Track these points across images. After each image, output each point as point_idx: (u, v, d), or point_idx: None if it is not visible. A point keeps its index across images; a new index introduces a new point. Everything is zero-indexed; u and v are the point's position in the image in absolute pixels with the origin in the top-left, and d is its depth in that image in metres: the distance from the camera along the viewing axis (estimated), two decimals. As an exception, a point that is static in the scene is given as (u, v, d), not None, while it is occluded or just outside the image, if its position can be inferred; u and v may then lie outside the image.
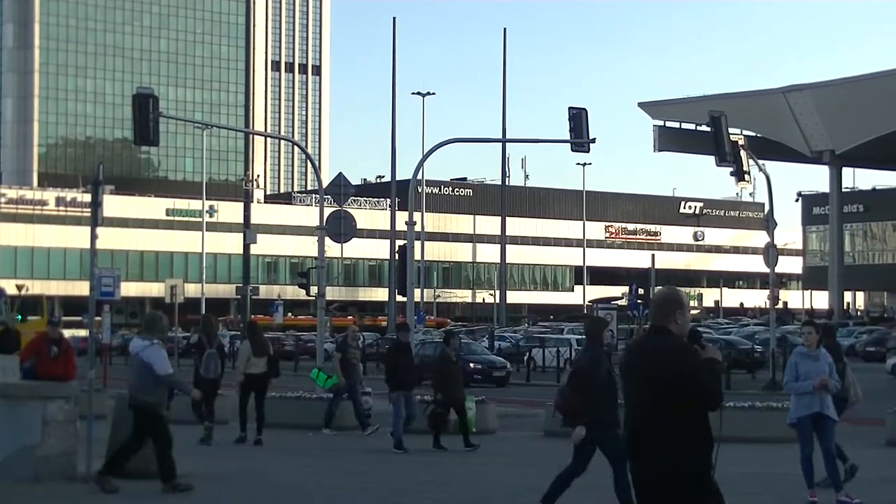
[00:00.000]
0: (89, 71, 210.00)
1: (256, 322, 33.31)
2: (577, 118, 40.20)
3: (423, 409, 27.76)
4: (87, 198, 28.13)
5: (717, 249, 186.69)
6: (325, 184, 42.39)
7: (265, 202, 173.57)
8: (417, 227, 41.61)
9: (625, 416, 9.84)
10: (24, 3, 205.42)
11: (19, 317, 62.78)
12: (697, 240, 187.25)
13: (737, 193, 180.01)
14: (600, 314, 71.84)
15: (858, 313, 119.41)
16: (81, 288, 58.76)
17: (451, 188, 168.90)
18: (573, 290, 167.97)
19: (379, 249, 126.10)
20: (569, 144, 41.45)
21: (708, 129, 50.67)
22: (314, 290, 43.35)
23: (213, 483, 20.84)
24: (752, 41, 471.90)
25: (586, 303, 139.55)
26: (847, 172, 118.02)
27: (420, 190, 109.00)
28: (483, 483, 21.84)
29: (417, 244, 44.45)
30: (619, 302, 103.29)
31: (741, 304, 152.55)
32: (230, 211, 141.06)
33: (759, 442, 27.54)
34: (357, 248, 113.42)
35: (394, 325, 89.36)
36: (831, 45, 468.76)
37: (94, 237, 23.75)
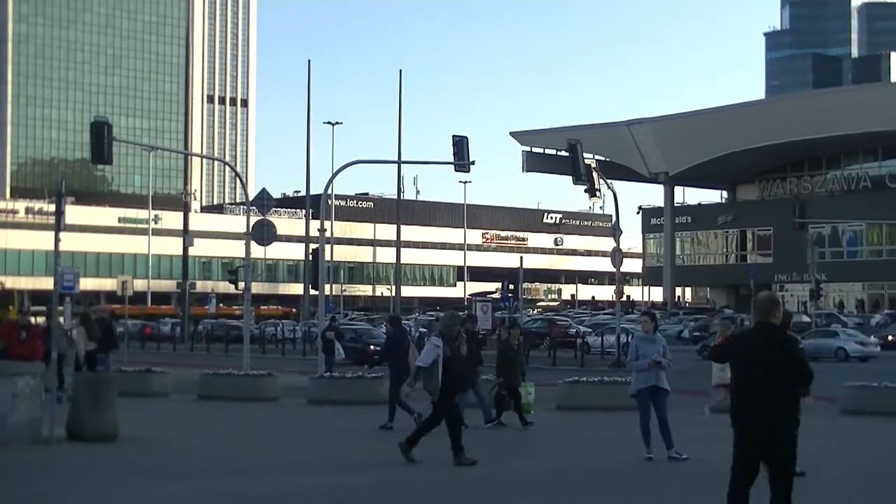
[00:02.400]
0: (54, 102, 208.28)
1: (88, 314, 33.70)
2: (460, 144, 40.19)
3: (489, 390, 25.73)
4: (52, 208, 28.00)
5: (574, 252, 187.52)
6: (251, 197, 42.07)
7: (201, 212, 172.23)
8: (327, 234, 41.39)
9: (744, 390, 10.74)
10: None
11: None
12: (557, 245, 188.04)
13: (589, 207, 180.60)
14: (478, 305, 71.79)
15: (687, 304, 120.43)
16: (47, 283, 58.00)
17: (355, 201, 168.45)
18: (455, 286, 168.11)
19: (296, 252, 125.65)
20: (453, 166, 41.46)
21: (567, 154, 50.91)
22: (242, 285, 43.13)
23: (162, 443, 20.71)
24: (604, 82, 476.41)
25: (467, 295, 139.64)
26: (678, 190, 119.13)
27: (330, 202, 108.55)
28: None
29: (327, 247, 44.25)
30: (494, 295, 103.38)
31: (593, 297, 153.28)
32: (172, 219, 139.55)
33: (606, 410, 27.72)
34: (277, 251, 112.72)
35: (308, 313, 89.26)
36: (667, 85, 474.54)
37: (57, 240, 23.56)
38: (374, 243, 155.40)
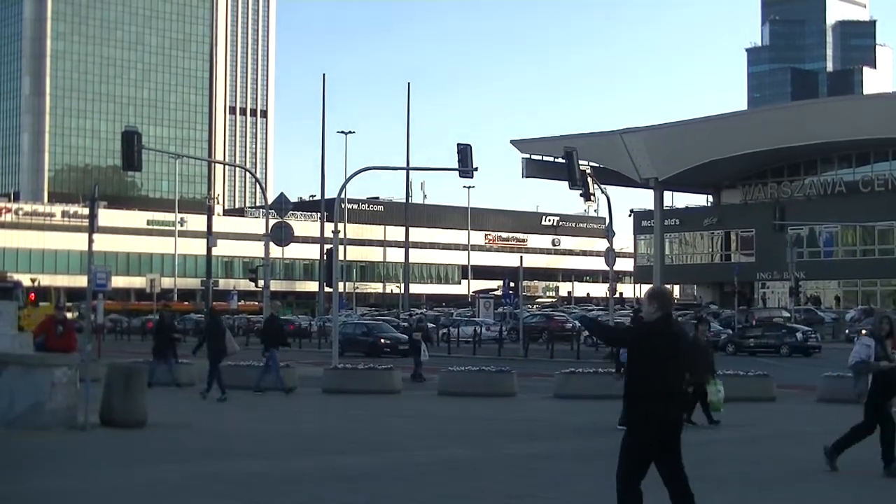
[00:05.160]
0: (88, 113, 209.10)
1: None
2: (464, 152, 40.10)
3: None
4: (86, 211, 28.03)
5: (570, 252, 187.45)
6: (269, 201, 42.20)
7: (224, 215, 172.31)
8: (341, 235, 41.41)
9: (651, 371, 9.95)
10: (38, 60, 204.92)
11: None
12: (555, 245, 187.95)
13: (585, 210, 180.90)
14: (481, 301, 71.71)
15: (676, 301, 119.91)
16: (81, 281, 58.06)
17: (367, 204, 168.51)
18: (460, 284, 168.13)
19: (311, 252, 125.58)
20: (457, 172, 41.43)
21: (563, 160, 50.81)
22: (261, 282, 43.15)
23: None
24: (598, 94, 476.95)
25: (470, 293, 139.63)
26: (667, 195, 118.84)
27: (343, 206, 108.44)
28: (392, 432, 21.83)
29: (341, 248, 44.13)
30: (496, 292, 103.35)
31: (588, 294, 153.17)
32: (196, 222, 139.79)
33: (602, 399, 27.70)
34: (294, 251, 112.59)
35: (323, 308, 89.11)
36: (657, 97, 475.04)
37: (91, 241, 23.59)
38: (384, 244, 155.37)
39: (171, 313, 38.18)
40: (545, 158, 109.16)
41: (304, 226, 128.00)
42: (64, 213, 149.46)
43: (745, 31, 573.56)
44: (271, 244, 38.67)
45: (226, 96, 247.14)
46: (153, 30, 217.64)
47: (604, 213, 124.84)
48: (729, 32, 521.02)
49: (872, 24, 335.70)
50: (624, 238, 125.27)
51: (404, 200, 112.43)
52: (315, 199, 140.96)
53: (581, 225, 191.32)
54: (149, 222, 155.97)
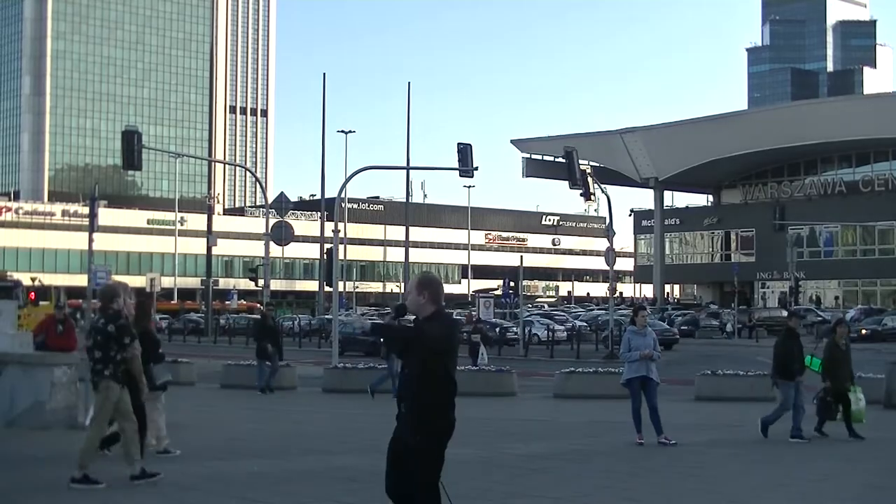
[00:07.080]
0: (89, 112, 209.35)
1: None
2: (464, 151, 40.09)
3: (811, 397, 21.25)
4: (86, 210, 28.02)
5: (570, 252, 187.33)
6: (270, 200, 42.16)
7: (224, 214, 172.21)
8: (341, 234, 41.35)
9: (452, 383, 8.68)
10: (38, 59, 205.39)
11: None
12: (555, 245, 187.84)
13: (585, 209, 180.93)
14: (481, 301, 71.60)
15: (677, 300, 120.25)
16: (81, 280, 57.96)
17: (367, 204, 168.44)
18: (460, 283, 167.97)
19: (311, 251, 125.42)
20: (458, 171, 41.39)
21: (563, 160, 50.80)
22: (261, 282, 43.11)
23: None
24: (598, 94, 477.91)
25: (470, 292, 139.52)
26: (667, 194, 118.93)
27: (343, 205, 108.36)
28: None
29: (341, 247, 44.03)
30: (496, 292, 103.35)
31: (588, 293, 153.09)
32: (196, 221, 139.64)
33: (600, 398, 27.72)
34: (294, 250, 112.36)
35: (322, 307, 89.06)
36: (657, 97, 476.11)
37: (91, 241, 23.61)
38: (384, 243, 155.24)
39: (273, 313, 35.67)
40: (545, 158, 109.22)
41: (304, 225, 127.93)
42: (64, 213, 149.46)
43: (746, 31, 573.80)
44: (271, 243, 38.65)
45: (226, 96, 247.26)
46: (153, 29, 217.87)
47: (604, 212, 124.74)
48: (729, 32, 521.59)
49: (873, 24, 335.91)
50: (624, 238, 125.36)
51: (404, 200, 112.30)
52: (315, 198, 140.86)
53: (581, 224, 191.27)
54: (149, 221, 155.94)
